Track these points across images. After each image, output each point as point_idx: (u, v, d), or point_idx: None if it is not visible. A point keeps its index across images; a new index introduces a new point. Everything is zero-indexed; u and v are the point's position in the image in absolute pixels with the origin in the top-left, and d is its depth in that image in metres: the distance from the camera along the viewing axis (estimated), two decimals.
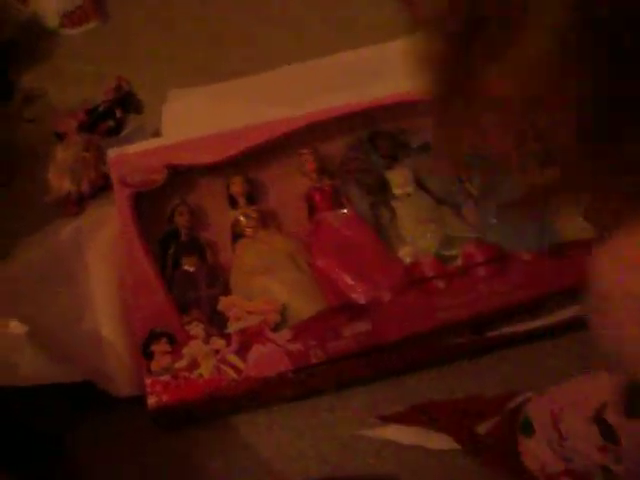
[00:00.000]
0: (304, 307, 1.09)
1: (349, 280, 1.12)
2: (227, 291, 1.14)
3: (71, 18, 1.73)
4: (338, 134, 1.32)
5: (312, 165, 1.25)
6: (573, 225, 1.22)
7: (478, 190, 1.25)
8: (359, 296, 1.10)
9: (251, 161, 1.28)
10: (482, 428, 1.03)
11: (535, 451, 0.96)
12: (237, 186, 1.23)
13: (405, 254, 1.17)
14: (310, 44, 1.62)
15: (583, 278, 1.16)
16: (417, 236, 1.18)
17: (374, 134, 1.29)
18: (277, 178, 1.29)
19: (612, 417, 0.87)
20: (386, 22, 1.67)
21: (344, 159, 1.27)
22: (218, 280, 1.15)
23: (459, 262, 1.15)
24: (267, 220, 1.22)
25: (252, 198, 1.25)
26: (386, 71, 1.47)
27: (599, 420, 0.89)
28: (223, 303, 1.10)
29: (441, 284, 1.11)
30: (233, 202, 1.24)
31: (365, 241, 1.17)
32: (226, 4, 1.78)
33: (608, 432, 0.88)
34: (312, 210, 1.22)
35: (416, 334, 1.07)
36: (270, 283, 1.12)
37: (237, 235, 1.20)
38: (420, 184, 1.25)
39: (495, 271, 1.13)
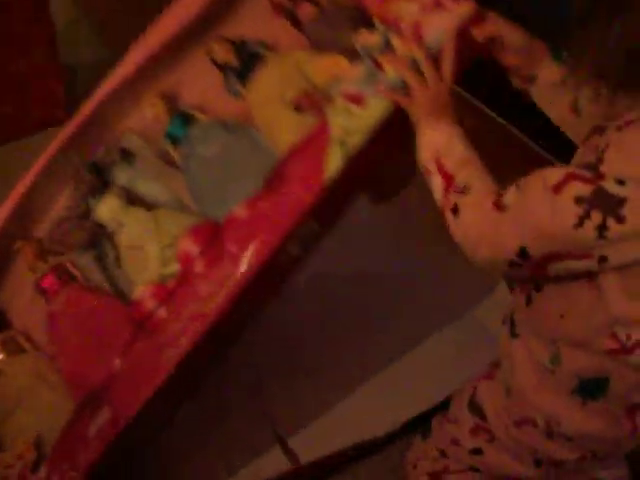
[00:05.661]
0: (58, 426, 0.96)
1: (88, 366, 0.98)
2: None
3: None
4: None
5: (32, 255, 1.09)
6: None
7: None
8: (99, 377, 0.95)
9: None
10: None
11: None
12: None
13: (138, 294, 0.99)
14: None
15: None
16: (137, 270, 1.00)
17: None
18: None
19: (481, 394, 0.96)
20: None
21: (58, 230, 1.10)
22: None
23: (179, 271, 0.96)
24: (9, 345, 1.08)
25: None
26: None
27: (470, 403, 0.98)
28: None
29: (162, 312, 0.94)
30: None
31: (98, 305, 1.02)
32: None
33: (476, 409, 0.97)
34: (48, 301, 1.06)
35: (153, 391, 0.89)
36: (23, 417, 1.02)
37: None
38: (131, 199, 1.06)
39: (211, 259, 0.92)
